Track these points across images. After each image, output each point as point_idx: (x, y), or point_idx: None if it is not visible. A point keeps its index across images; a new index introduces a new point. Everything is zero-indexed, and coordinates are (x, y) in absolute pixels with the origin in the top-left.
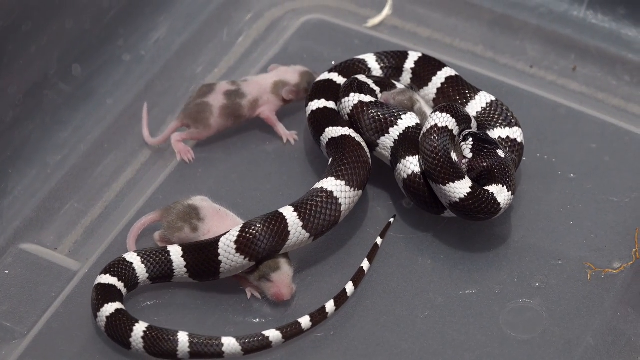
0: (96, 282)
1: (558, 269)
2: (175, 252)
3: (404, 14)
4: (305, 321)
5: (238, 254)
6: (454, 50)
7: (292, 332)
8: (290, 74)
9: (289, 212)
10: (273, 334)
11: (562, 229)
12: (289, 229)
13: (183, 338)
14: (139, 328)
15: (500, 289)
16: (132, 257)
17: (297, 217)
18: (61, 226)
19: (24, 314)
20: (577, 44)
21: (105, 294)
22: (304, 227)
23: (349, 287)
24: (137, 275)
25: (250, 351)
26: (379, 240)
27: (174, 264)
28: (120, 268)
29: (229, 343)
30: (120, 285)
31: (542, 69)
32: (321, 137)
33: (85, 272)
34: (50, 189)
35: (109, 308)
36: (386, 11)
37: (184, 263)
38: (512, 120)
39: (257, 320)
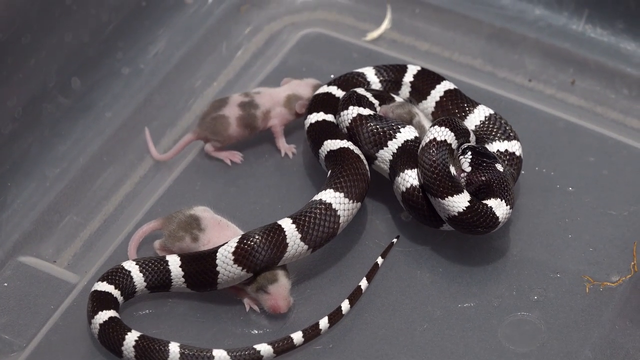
0: (93, 289)
1: (556, 282)
2: (174, 262)
3: (402, 28)
4: (297, 337)
5: (236, 265)
6: (453, 63)
7: (283, 347)
8: (303, 88)
9: (287, 224)
10: (264, 348)
11: (561, 243)
12: (287, 240)
13: (174, 349)
14: (131, 337)
15: (498, 302)
16: (131, 266)
17: (296, 229)
18: (60, 239)
19: (23, 327)
20: (576, 57)
21: (101, 301)
22: (302, 239)
23: (345, 306)
24: (135, 284)
25: None
26: (379, 260)
27: (172, 274)
28: (118, 276)
29: (220, 355)
30: (116, 293)
31: (541, 83)
32: (320, 150)
33: (84, 285)
34: (49, 202)
35: (103, 315)
36: (385, 25)
37: (182, 273)
38: (511, 134)
39: (256, 331)
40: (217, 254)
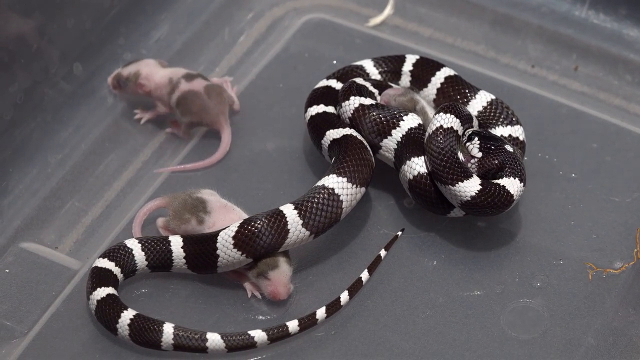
0: (93, 265)
1: (559, 269)
2: (176, 243)
3: (405, 14)
4: (293, 325)
5: (235, 250)
6: (456, 49)
7: (278, 334)
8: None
9: (289, 210)
10: (258, 335)
11: (564, 229)
12: (289, 226)
13: (168, 329)
14: (127, 315)
15: (501, 289)
16: (133, 244)
17: (297, 214)
18: (62, 225)
19: (25, 313)
20: (579, 43)
21: (100, 277)
22: (304, 225)
23: (344, 297)
24: (136, 262)
25: (234, 349)
26: (382, 253)
27: (173, 254)
28: (120, 254)
29: (213, 339)
30: (117, 270)
31: (544, 69)
32: (322, 141)
33: (86, 271)
34: (51, 188)
35: (101, 292)
36: (387, 10)
37: (183, 254)
38: (514, 119)
39: (258, 318)
40: (218, 237)
